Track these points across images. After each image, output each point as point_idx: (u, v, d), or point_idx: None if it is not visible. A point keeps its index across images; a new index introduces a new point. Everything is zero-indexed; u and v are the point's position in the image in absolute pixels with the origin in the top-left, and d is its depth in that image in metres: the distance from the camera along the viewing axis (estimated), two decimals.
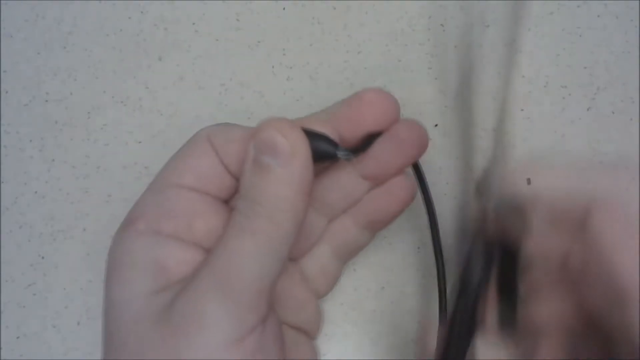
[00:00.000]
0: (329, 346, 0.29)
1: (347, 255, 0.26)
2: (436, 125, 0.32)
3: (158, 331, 0.19)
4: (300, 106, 0.32)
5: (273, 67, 0.33)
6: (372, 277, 0.30)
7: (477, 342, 0.21)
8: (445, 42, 0.34)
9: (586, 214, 0.20)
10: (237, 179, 0.23)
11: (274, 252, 0.20)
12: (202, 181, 0.22)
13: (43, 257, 0.30)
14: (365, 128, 0.23)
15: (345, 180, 0.24)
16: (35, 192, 0.31)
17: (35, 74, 0.33)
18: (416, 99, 0.32)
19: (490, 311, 0.22)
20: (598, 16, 0.34)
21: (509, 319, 0.22)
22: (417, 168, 0.25)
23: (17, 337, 0.29)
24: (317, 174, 0.24)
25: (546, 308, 0.21)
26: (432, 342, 0.22)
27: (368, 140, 0.24)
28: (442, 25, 0.34)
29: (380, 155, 0.24)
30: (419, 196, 0.26)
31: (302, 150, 0.20)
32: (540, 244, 0.21)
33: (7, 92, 0.33)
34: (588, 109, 0.32)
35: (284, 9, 0.34)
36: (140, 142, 0.32)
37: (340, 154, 0.22)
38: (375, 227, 0.26)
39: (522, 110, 0.32)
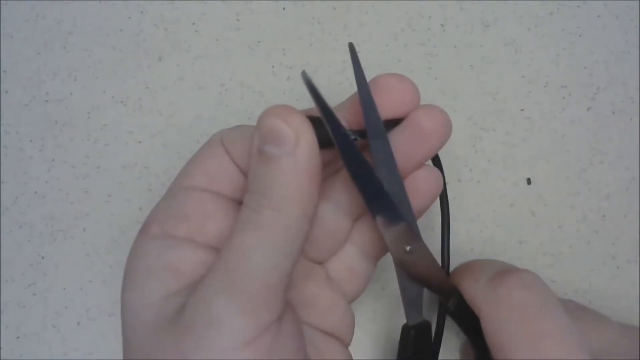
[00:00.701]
0: None
1: (377, 254, 0.25)
2: None
3: (170, 334, 0.18)
4: (300, 106, 0.32)
5: (273, 67, 0.33)
6: (372, 277, 0.30)
7: None
8: (445, 42, 0.34)
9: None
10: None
11: (282, 244, 0.19)
12: (213, 181, 0.22)
13: (43, 257, 0.30)
14: (382, 116, 0.21)
15: None
16: (35, 192, 0.31)
17: (35, 74, 0.33)
18: None
19: None
20: (598, 16, 0.34)
21: None
22: (436, 161, 0.23)
23: (17, 337, 0.29)
24: (337, 171, 0.23)
25: None
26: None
27: (385, 128, 0.22)
28: (442, 25, 0.34)
29: (398, 146, 0.21)
30: None
31: (306, 135, 0.19)
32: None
33: (7, 92, 0.33)
34: (588, 109, 0.32)
35: (284, 9, 0.34)
36: (140, 142, 0.32)
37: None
38: None
39: (522, 110, 0.32)
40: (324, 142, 0.20)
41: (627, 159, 0.31)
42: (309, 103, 0.34)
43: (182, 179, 0.22)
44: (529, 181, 0.31)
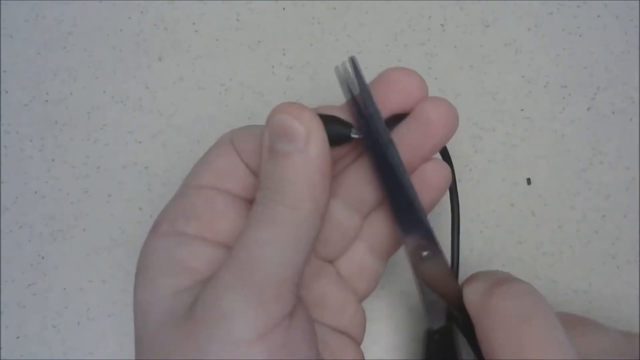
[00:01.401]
0: None
1: (387, 251, 0.25)
2: None
3: (183, 329, 0.18)
4: None
5: (273, 67, 0.33)
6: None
7: None
8: (445, 42, 0.34)
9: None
10: (257, 175, 0.22)
11: (295, 240, 0.19)
12: (222, 180, 0.22)
13: (43, 257, 0.30)
14: (390, 110, 0.22)
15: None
16: (35, 192, 0.31)
17: (35, 74, 0.33)
18: None
19: None
20: (598, 16, 0.34)
21: None
22: (444, 154, 0.23)
23: (17, 337, 0.29)
24: (344, 168, 0.23)
25: None
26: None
27: (392, 122, 0.22)
28: (442, 25, 0.34)
29: (405, 139, 0.22)
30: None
31: (317, 132, 0.19)
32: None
33: (7, 92, 0.33)
34: (588, 109, 0.32)
35: (284, 9, 0.34)
36: (140, 142, 0.32)
37: (354, 134, 0.21)
38: None
39: (522, 110, 0.32)
40: (333, 139, 0.20)
41: (627, 159, 0.31)
42: (308, 103, 0.34)
43: (192, 178, 0.22)
44: (529, 181, 0.31)
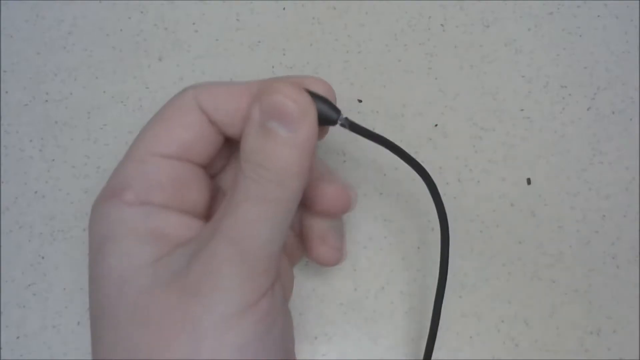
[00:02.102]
0: (329, 346, 0.29)
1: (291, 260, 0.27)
2: (436, 125, 0.32)
3: (173, 293, 0.19)
4: None
5: (273, 67, 0.33)
6: (372, 277, 0.30)
7: None
8: (445, 42, 0.34)
9: None
10: (225, 137, 0.23)
11: (284, 216, 0.20)
12: (188, 149, 0.22)
13: (43, 257, 0.30)
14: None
15: None
16: (35, 192, 0.31)
17: (35, 74, 0.33)
18: (416, 99, 0.32)
19: None
20: (598, 16, 0.34)
21: None
22: (434, 193, 0.24)
23: (17, 337, 0.29)
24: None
25: None
26: None
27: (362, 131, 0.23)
28: (442, 25, 0.34)
29: (318, 203, 0.24)
30: (422, 196, 0.26)
31: (310, 114, 0.20)
32: None
33: (7, 92, 0.33)
34: (588, 109, 0.32)
35: (284, 9, 0.34)
36: None
37: (340, 120, 0.22)
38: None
39: (522, 110, 0.32)
40: (320, 120, 0.21)
41: (627, 159, 0.31)
42: None
43: (152, 143, 0.22)
44: (529, 181, 0.31)
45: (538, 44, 0.33)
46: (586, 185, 0.31)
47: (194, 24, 0.34)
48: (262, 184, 0.20)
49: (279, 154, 0.20)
